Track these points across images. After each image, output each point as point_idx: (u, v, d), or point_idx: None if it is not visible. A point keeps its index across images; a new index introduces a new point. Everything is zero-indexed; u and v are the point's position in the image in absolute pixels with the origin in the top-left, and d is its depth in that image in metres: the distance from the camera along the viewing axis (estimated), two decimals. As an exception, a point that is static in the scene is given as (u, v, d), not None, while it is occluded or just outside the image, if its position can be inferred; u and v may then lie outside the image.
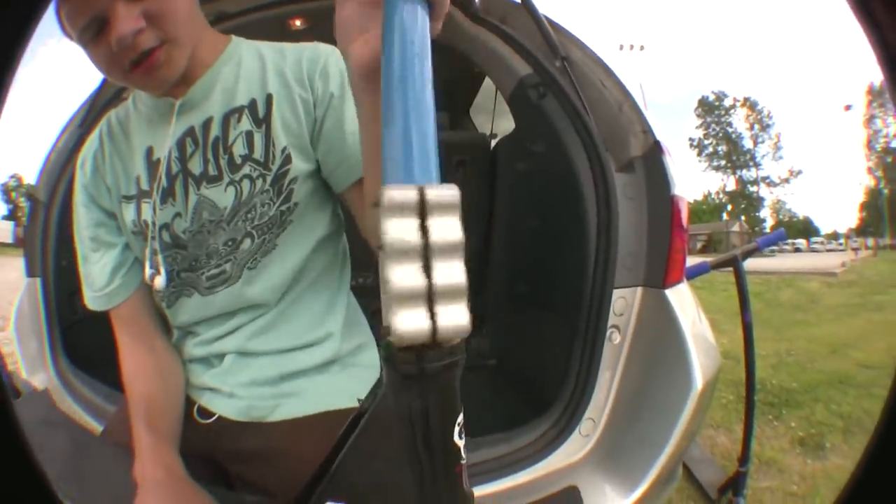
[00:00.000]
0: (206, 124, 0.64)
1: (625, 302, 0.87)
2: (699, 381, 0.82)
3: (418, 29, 0.30)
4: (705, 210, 56.19)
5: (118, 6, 0.53)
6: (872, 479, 0.33)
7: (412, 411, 0.33)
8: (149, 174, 0.65)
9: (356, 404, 0.68)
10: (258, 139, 0.63)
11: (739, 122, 53.04)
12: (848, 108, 55.40)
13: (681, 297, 0.89)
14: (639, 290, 0.88)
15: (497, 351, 1.49)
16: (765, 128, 52.45)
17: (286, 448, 0.66)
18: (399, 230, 0.25)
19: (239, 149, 0.63)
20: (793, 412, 2.65)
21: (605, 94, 0.99)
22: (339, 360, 0.72)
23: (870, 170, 51.54)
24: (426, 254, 0.27)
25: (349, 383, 0.70)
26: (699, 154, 54.90)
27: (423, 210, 0.26)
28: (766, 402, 2.76)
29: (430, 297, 0.27)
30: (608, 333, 0.86)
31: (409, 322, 0.26)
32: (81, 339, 1.31)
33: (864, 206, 53.94)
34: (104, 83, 1.39)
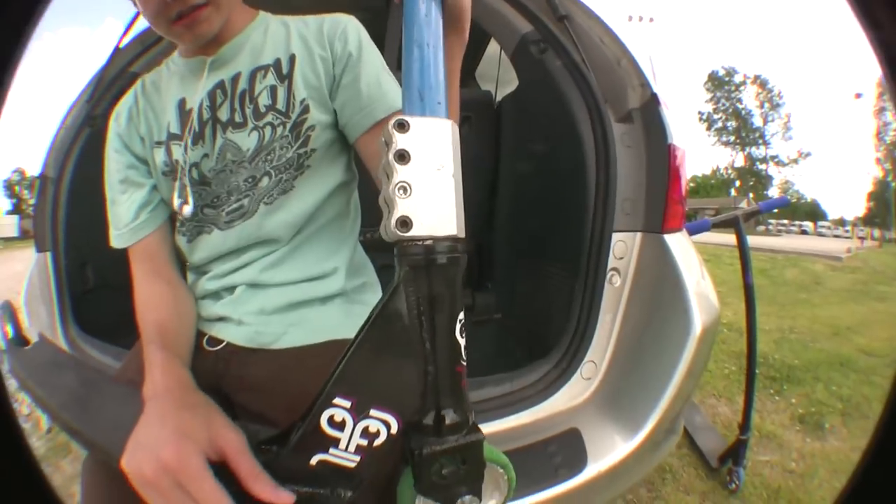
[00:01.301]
0: (235, 79, 0.72)
1: (624, 246, 0.90)
2: (698, 325, 0.85)
3: (433, 14, 0.43)
4: (713, 185, 55.78)
5: None
6: (875, 478, 0.34)
7: (420, 301, 0.38)
8: (180, 120, 0.73)
9: None
10: (281, 92, 0.71)
11: (749, 99, 52.62)
12: (858, 96, 54.83)
13: (681, 247, 0.92)
14: (638, 234, 0.91)
15: (502, 305, 1.52)
16: (775, 107, 51.85)
17: (290, 375, 0.68)
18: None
19: (263, 100, 0.71)
20: (794, 389, 2.68)
21: (604, 49, 1.02)
22: (344, 295, 0.76)
23: (878, 160, 51.17)
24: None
25: (352, 317, 0.75)
26: (708, 128, 54.35)
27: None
28: (767, 376, 2.79)
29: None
30: (608, 276, 0.89)
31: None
32: (92, 308, 1.34)
33: (872, 196, 53.59)
34: (110, 61, 1.41)
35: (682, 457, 1.96)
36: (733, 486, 1.71)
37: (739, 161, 53.79)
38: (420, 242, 0.36)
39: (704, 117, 54.44)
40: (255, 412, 0.70)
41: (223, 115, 0.71)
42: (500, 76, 1.82)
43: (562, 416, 0.87)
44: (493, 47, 1.92)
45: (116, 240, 0.76)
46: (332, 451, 0.40)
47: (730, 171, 55.51)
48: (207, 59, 0.72)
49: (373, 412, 0.39)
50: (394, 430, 0.40)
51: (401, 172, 0.36)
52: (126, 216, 0.75)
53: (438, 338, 0.38)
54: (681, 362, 0.83)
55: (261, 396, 0.69)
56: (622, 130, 0.95)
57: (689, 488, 1.77)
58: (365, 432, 0.40)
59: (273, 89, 0.71)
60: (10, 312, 0.81)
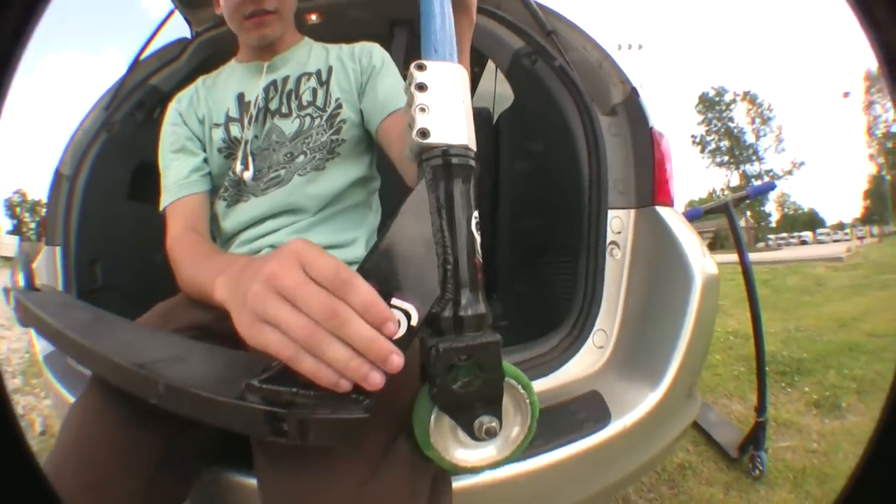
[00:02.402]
0: (285, 80, 0.92)
1: (620, 221, 1.01)
2: (698, 276, 0.93)
3: None
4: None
5: None
6: (875, 474, 0.33)
7: (439, 197, 0.43)
8: (239, 108, 0.92)
9: None
10: (320, 93, 0.90)
11: (741, 116, 53.84)
12: (846, 94, 55.88)
13: (673, 218, 1.01)
14: (632, 211, 1.02)
15: (509, 313, 1.60)
16: (766, 121, 53.03)
17: None
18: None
19: (306, 97, 0.90)
20: (805, 379, 2.74)
21: (587, 55, 1.17)
22: None
23: (871, 157, 51.96)
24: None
25: None
26: (702, 151, 55.10)
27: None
28: (777, 372, 2.83)
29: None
30: (608, 249, 0.99)
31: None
32: (98, 306, 1.38)
33: (868, 194, 54.30)
34: (129, 72, 1.53)
35: (700, 453, 1.99)
36: (757, 472, 1.74)
37: (735, 180, 54.32)
38: (439, 147, 0.43)
39: (698, 140, 55.36)
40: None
41: (273, 105, 0.90)
42: (496, 99, 1.96)
43: (580, 383, 0.93)
44: (483, 86, 2.08)
45: (165, 195, 0.87)
46: None
47: (726, 192, 56.04)
48: (264, 63, 0.93)
49: (394, 301, 0.40)
50: (414, 320, 0.40)
51: (419, 98, 0.44)
52: (178, 175, 0.88)
53: (456, 230, 0.42)
54: (688, 313, 0.91)
55: None
56: (608, 122, 1.07)
57: (711, 480, 1.80)
58: None
59: (314, 90, 0.90)
60: (27, 262, 0.85)
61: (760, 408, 1.82)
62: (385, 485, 0.48)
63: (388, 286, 0.40)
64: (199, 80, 0.99)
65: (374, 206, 0.98)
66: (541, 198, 1.34)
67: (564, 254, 1.14)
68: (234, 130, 0.90)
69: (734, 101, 53.86)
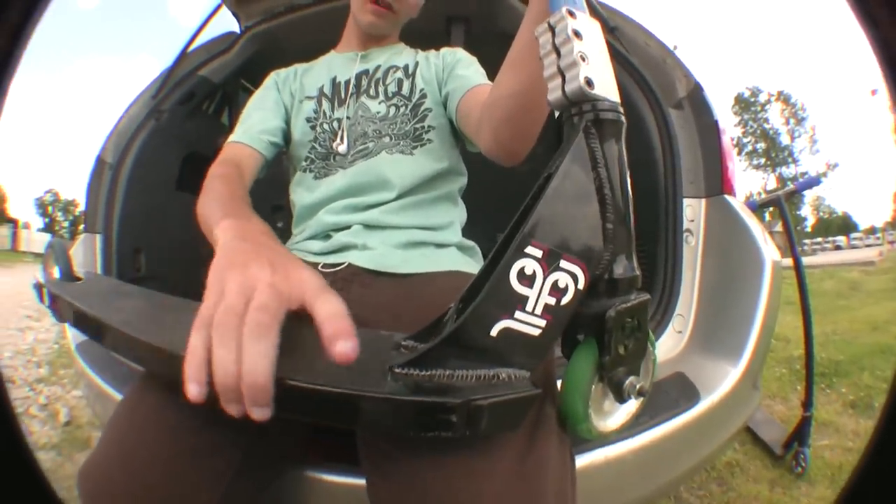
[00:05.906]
0: (375, 69, 1.03)
1: (692, 210, 1.12)
2: (769, 258, 1.03)
3: None
4: (747, 213, 56.64)
5: None
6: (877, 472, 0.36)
7: (602, 153, 0.42)
8: (332, 88, 1.03)
9: None
10: (406, 84, 1.01)
11: (775, 117, 54.58)
12: (874, 92, 56.26)
13: (739, 205, 1.13)
14: (703, 200, 1.14)
15: None
16: (800, 121, 53.84)
17: (420, 293, 0.75)
18: (567, 27, 0.43)
19: (392, 87, 1.00)
20: (842, 380, 2.94)
21: (650, 51, 1.30)
22: (459, 247, 0.93)
23: (899, 155, 52.69)
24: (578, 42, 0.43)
25: (469, 263, 0.89)
26: (739, 153, 55.61)
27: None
28: (817, 373, 2.96)
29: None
30: (684, 236, 1.10)
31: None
32: None
33: (897, 196, 54.73)
34: (177, 62, 1.63)
35: (746, 452, 2.13)
36: (799, 469, 1.88)
37: (771, 183, 54.73)
38: (601, 101, 0.43)
39: (735, 142, 55.89)
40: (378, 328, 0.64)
41: (362, 88, 1.01)
42: None
43: (664, 365, 1.02)
44: None
45: (232, 137, 0.97)
46: (517, 314, 0.38)
47: (762, 195, 56.17)
48: (359, 53, 1.05)
49: (563, 263, 0.38)
50: (581, 284, 0.39)
51: (578, 45, 0.42)
52: (251, 126, 0.98)
53: (616, 187, 0.42)
54: (762, 293, 1.01)
55: (386, 314, 0.71)
56: (675, 115, 1.20)
57: (757, 478, 1.93)
58: (554, 288, 0.38)
59: (400, 81, 1.01)
60: (61, 251, 0.78)
61: (807, 403, 1.96)
62: (543, 456, 0.48)
63: (556, 246, 0.39)
64: (297, 66, 1.11)
65: (460, 206, 1.03)
66: None
67: (640, 242, 1.24)
68: (325, 104, 1.00)
69: (769, 101, 54.55)
